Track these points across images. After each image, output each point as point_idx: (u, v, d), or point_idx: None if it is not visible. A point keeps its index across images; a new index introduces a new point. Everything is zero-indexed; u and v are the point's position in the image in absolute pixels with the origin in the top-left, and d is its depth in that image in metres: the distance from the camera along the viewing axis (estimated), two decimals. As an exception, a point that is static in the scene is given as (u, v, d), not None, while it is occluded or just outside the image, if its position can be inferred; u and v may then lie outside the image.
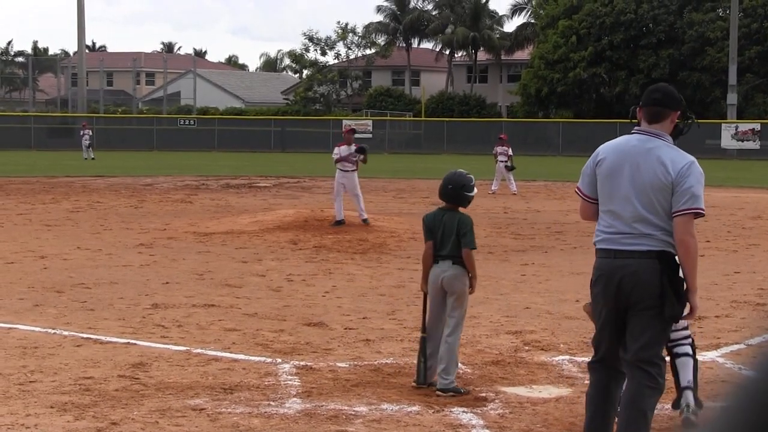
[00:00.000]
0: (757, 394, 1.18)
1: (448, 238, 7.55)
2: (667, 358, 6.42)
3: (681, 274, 5.46)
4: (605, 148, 5.70)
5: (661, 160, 5.49)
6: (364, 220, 19.21)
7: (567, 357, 8.77)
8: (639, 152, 5.54)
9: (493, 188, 30.57)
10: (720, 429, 1.19)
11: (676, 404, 6.68)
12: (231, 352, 8.72)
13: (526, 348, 9.10)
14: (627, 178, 5.52)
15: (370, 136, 64.93)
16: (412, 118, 74.77)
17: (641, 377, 5.50)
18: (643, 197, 5.47)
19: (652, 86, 5.83)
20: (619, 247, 5.49)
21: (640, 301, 5.44)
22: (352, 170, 19.57)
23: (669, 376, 6.09)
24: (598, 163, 5.65)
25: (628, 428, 5.47)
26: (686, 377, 6.51)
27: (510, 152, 30.65)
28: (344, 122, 68.18)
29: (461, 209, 7.75)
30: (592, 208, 5.69)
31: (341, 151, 19.51)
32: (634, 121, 5.74)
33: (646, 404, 5.50)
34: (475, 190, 7.88)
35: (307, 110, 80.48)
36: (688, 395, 6.50)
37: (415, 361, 7.78)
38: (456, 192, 7.70)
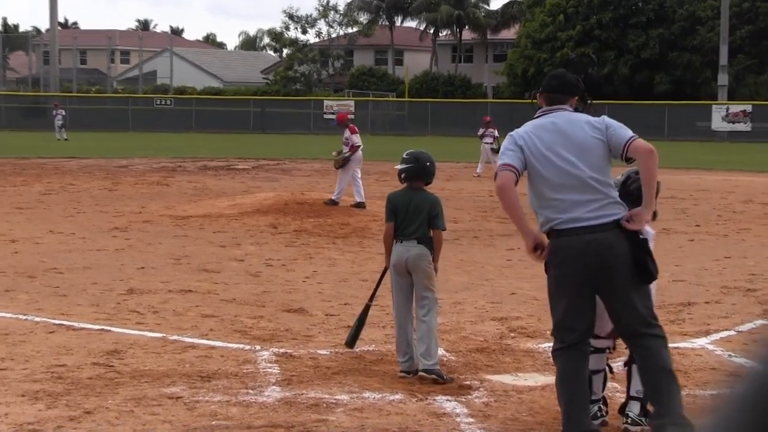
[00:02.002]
0: (761, 386, 1.18)
1: (415, 219, 7.58)
2: (620, 367, 6.64)
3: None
4: (525, 133, 5.95)
5: (582, 122, 5.90)
6: (332, 202, 19.43)
7: (553, 344, 8.77)
8: (560, 124, 5.89)
9: (478, 171, 30.61)
10: (725, 421, 1.20)
11: (621, 410, 6.61)
12: (208, 339, 8.70)
13: (512, 335, 9.12)
14: (564, 150, 5.80)
15: (353, 116, 64.77)
16: (395, 99, 74.70)
17: (653, 342, 5.77)
18: (586, 158, 5.77)
19: (551, 72, 6.32)
20: (586, 222, 5.67)
21: (620, 274, 5.65)
22: (346, 153, 19.87)
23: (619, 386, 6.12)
24: (522, 148, 5.88)
25: (671, 391, 5.71)
26: (637, 386, 6.44)
27: (496, 134, 30.67)
28: (326, 103, 68.12)
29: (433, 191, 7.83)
30: (511, 175, 5.81)
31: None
32: (533, 101, 6.23)
33: (669, 362, 5.82)
34: None
35: (287, 90, 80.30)
36: (635, 405, 6.47)
37: (394, 348, 7.74)
38: (433, 168, 7.80)
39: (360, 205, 19.45)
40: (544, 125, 5.96)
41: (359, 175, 19.83)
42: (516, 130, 6.03)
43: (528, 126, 6.03)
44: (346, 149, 19.98)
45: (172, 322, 9.43)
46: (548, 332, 9.23)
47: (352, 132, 19.98)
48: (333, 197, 19.63)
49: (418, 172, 7.71)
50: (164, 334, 8.83)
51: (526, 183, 5.96)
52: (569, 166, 5.77)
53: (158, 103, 70.27)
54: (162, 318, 9.59)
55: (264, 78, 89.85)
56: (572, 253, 5.69)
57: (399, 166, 7.80)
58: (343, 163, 19.80)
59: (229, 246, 14.89)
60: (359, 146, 19.95)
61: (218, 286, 11.43)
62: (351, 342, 8.01)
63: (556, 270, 5.80)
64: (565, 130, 5.87)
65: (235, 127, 66.24)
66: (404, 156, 7.80)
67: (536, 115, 6.06)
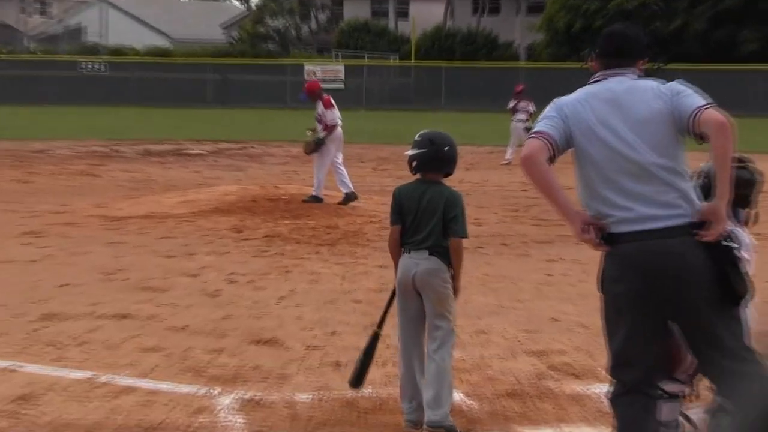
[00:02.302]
0: None
1: (428, 222, 7.47)
2: None
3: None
4: (574, 101, 5.94)
5: (648, 90, 5.86)
6: (314, 198, 19.52)
7: (609, 386, 8.73)
8: (619, 93, 5.87)
9: (507, 157, 30.57)
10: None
11: None
12: (151, 380, 8.64)
13: (553, 374, 9.07)
14: (620, 126, 5.77)
15: (342, 86, 64.88)
16: (398, 62, 74.72)
17: (746, 383, 5.61)
18: (648, 137, 5.73)
19: (607, 29, 6.26)
20: (650, 224, 5.63)
21: (696, 292, 5.60)
22: (323, 135, 19.85)
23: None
24: (566, 118, 5.87)
25: None
26: None
27: (531, 109, 30.65)
28: (307, 68, 68.15)
29: (446, 182, 7.70)
30: (542, 146, 5.79)
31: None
32: (585, 67, 6.26)
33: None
34: None
35: (256, 51, 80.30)
36: None
37: (398, 393, 7.70)
38: (453, 154, 7.65)
39: (349, 198, 19.45)
40: (597, 93, 5.93)
41: (341, 161, 19.83)
42: (562, 97, 6.00)
43: (579, 93, 5.99)
44: (320, 128, 19.94)
45: (102, 357, 9.36)
46: (603, 371, 9.19)
47: (327, 106, 19.94)
48: (313, 192, 19.62)
49: (433, 159, 7.58)
50: (92, 374, 8.76)
51: (573, 172, 5.91)
52: (625, 148, 5.74)
53: (86, 67, 70.27)
54: (89, 352, 9.52)
55: (226, 35, 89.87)
56: (631, 265, 5.66)
57: (409, 152, 7.68)
58: (315, 147, 19.74)
59: (178, 256, 14.85)
60: (337, 124, 19.91)
61: (164, 310, 11.37)
62: (356, 381, 7.89)
63: (613, 287, 5.76)
64: (623, 101, 5.84)
65: (188, 99, 66.29)
66: (416, 138, 7.69)
67: (590, 81, 6.05)
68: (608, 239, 5.72)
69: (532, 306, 11.94)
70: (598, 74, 6.04)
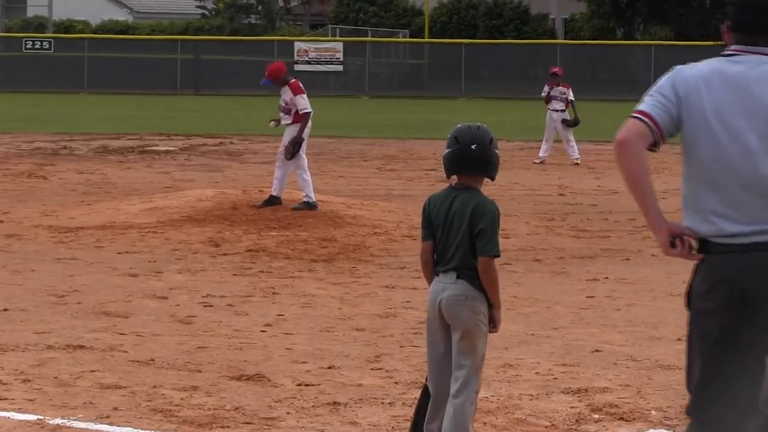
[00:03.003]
0: None
1: (455, 237, 7.45)
2: None
3: None
4: (693, 77, 5.72)
5: None
6: (308, 205, 19.42)
7: (663, 431, 8.79)
8: (749, 78, 5.64)
9: (541, 155, 30.58)
10: None
11: None
12: (111, 424, 8.68)
13: (596, 416, 9.11)
14: (739, 121, 5.60)
15: (341, 68, 64.86)
16: (408, 39, 74.71)
17: None
18: None
19: None
20: (757, 237, 5.54)
21: None
22: (287, 123, 19.79)
23: None
24: (681, 99, 5.67)
25: None
26: None
27: (570, 96, 30.65)
28: (297, 46, 68.16)
29: (482, 189, 7.64)
30: (645, 132, 5.64)
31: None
32: (719, 43, 5.90)
33: None
34: None
35: (235, 26, 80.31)
36: None
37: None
38: (485, 153, 7.57)
39: (273, 202, 19.35)
40: (723, 73, 5.68)
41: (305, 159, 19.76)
42: (683, 67, 5.82)
43: (703, 66, 5.75)
44: (285, 118, 19.89)
45: (52, 396, 9.40)
46: (654, 413, 9.23)
47: (297, 91, 19.85)
48: (304, 198, 19.52)
49: (459, 160, 7.54)
50: (40, 416, 8.80)
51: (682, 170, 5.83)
52: (740, 152, 5.58)
53: (30, 46, 70.30)
54: (37, 390, 9.56)
55: (199, 7, 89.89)
56: (727, 279, 5.59)
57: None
58: (295, 149, 19.62)
59: (143, 275, 14.89)
60: (309, 112, 19.78)
61: (126, 340, 11.40)
62: None
63: (702, 304, 5.66)
64: (753, 91, 5.62)
65: (154, 85, 66.27)
66: (449, 135, 7.68)
67: (722, 54, 5.77)
68: (704, 248, 5.65)
69: (569, 335, 11.96)
70: (731, 47, 5.74)
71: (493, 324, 7.51)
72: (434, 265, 7.56)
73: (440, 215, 7.48)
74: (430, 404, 7.57)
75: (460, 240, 7.40)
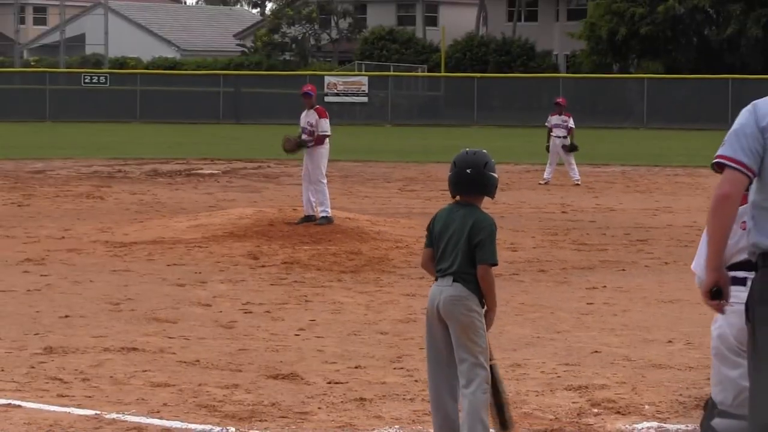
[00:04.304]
0: None
1: (453, 247, 7.59)
2: None
3: None
4: (765, 109, 5.48)
5: None
6: (323, 219, 19.44)
7: (655, 424, 8.77)
8: None
9: (545, 176, 30.55)
10: None
11: None
12: (161, 418, 8.70)
13: (595, 411, 9.10)
14: None
15: (366, 99, 64.89)
16: (426, 74, 74.66)
17: None
18: None
19: None
20: None
21: None
22: (310, 145, 19.86)
23: None
24: (764, 130, 5.41)
25: None
26: None
27: (571, 124, 30.61)
28: (327, 80, 68.23)
29: (483, 206, 7.74)
30: (745, 183, 5.37)
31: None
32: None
33: None
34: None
35: (272, 63, 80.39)
36: None
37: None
38: (479, 176, 7.68)
39: (308, 219, 19.45)
40: None
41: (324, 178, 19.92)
42: (759, 101, 5.52)
43: None
44: (307, 138, 20.04)
45: (108, 393, 9.42)
46: (648, 407, 9.20)
47: (323, 115, 20.09)
48: (322, 213, 19.55)
49: (457, 182, 7.72)
50: (98, 411, 8.82)
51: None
52: None
53: (88, 80, 70.44)
54: (94, 388, 9.59)
55: (239, 45, 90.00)
56: None
57: None
58: (297, 147, 19.87)
59: (189, 285, 14.91)
60: (330, 135, 20.05)
61: (175, 343, 11.44)
62: (503, 426, 7.78)
63: (764, 312, 5.29)
64: None
65: (199, 114, 66.27)
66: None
67: None
68: (765, 261, 5.36)
69: (571, 337, 11.96)
70: None
71: (487, 323, 7.64)
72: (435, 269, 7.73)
73: (443, 227, 7.70)
74: (435, 419, 7.63)
75: (459, 249, 7.58)
